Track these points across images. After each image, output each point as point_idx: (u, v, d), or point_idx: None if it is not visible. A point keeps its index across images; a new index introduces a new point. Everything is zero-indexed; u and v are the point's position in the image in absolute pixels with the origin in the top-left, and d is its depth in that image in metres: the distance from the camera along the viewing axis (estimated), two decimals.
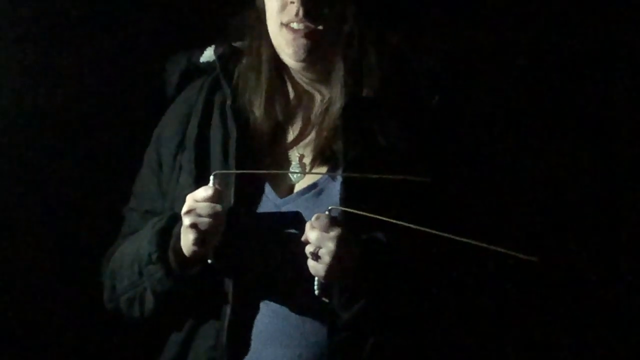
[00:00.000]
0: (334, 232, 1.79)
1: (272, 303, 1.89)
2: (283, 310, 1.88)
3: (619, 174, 2.44)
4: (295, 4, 1.89)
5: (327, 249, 1.78)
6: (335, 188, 1.89)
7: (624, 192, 2.44)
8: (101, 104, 2.44)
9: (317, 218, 1.80)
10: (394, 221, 1.78)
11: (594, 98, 2.45)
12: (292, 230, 1.88)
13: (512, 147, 2.41)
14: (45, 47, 2.39)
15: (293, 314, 1.88)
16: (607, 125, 2.45)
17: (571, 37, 2.45)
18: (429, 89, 1.95)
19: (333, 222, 1.80)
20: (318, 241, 1.79)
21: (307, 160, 1.95)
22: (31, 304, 2.41)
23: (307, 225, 1.81)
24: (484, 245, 1.74)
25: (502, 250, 1.72)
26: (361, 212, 1.80)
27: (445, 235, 1.76)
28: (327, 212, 1.81)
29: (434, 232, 1.76)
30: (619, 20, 2.44)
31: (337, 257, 1.78)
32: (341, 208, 1.83)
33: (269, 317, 1.89)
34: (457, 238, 1.75)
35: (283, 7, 1.91)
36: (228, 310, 1.89)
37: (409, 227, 1.78)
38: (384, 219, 1.78)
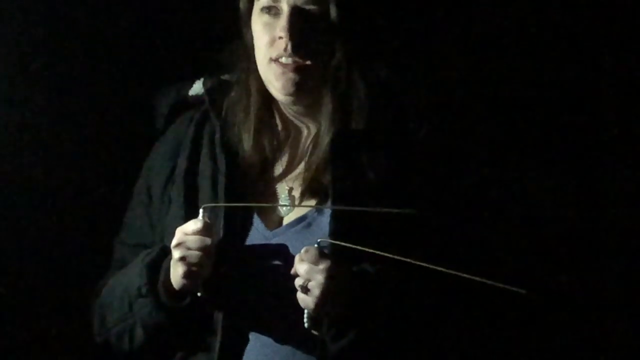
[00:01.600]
0: (323, 265, 1.81)
1: (261, 335, 1.90)
2: (273, 341, 1.90)
3: (607, 205, 2.46)
4: (284, 39, 1.91)
5: (317, 281, 1.80)
6: (324, 220, 1.91)
7: (612, 223, 2.46)
8: (91, 137, 2.45)
9: (306, 251, 1.82)
10: (382, 254, 1.80)
11: (582, 132, 2.46)
12: (281, 263, 1.89)
13: (500, 178, 2.42)
14: (33, 82, 2.40)
15: (283, 346, 1.89)
16: (595, 156, 2.46)
17: (558, 68, 2.46)
18: (417, 122, 1.98)
19: (322, 254, 1.82)
20: (307, 274, 1.81)
21: (296, 193, 1.97)
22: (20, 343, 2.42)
23: (297, 258, 1.83)
24: (473, 277, 1.76)
25: (491, 282, 1.74)
26: (350, 245, 1.82)
27: (434, 267, 1.78)
28: (316, 245, 1.84)
29: (422, 264, 1.78)
30: (604, 49, 2.47)
31: (327, 290, 1.80)
32: (330, 240, 1.85)
33: (259, 348, 1.90)
34: (446, 270, 1.78)
35: (272, 42, 1.93)
36: (218, 342, 1.90)
37: (398, 259, 1.80)
38: (372, 251, 1.81)
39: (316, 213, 1.93)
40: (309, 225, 1.93)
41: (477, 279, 1.76)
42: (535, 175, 2.46)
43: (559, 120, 2.46)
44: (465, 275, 1.77)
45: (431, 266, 1.78)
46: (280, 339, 1.90)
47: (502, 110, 2.47)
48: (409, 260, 1.79)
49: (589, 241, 2.45)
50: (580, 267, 2.44)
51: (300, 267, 1.82)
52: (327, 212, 1.91)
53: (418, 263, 1.79)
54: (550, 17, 2.46)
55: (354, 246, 1.82)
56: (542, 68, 2.46)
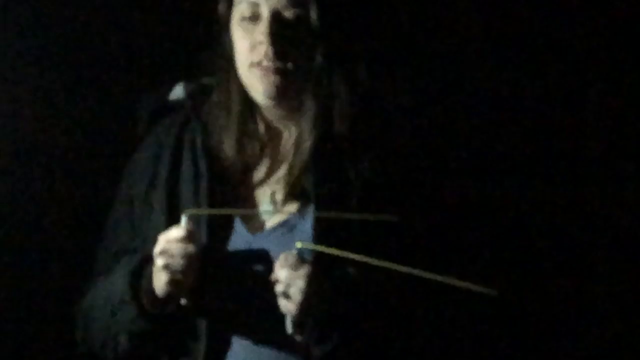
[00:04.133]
0: (303, 270, 1.83)
1: (245, 339, 1.93)
2: (257, 346, 1.92)
3: (587, 214, 2.49)
4: (265, 45, 1.93)
5: (297, 287, 1.82)
6: (307, 224, 1.93)
7: (591, 234, 2.49)
8: (72, 143, 2.46)
9: (285, 257, 1.85)
10: (359, 257, 1.83)
11: (568, 140, 2.49)
12: (263, 268, 1.91)
13: (483, 183, 2.44)
14: (14, 88, 2.42)
15: (267, 350, 1.92)
16: (578, 164, 2.49)
17: (542, 70, 2.49)
18: (399, 125, 2.00)
19: (301, 259, 1.84)
20: (287, 279, 1.83)
21: (278, 197, 1.99)
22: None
23: (276, 264, 1.85)
24: (441, 279, 1.78)
25: (463, 284, 1.77)
26: (327, 250, 1.84)
27: (406, 269, 1.80)
28: (294, 250, 1.86)
29: (398, 267, 1.80)
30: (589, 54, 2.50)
31: (307, 295, 1.82)
32: (308, 245, 1.87)
33: (243, 352, 1.93)
34: (415, 271, 1.80)
35: (252, 48, 1.95)
36: (202, 347, 1.93)
37: (378, 259, 1.83)
38: (350, 255, 1.83)
39: (299, 216, 1.95)
40: (292, 228, 1.95)
41: (448, 280, 1.79)
42: (519, 179, 2.48)
43: (541, 124, 2.48)
44: (436, 277, 1.79)
45: (404, 268, 1.80)
46: (264, 343, 1.92)
47: (487, 113, 2.49)
48: (386, 264, 1.82)
49: (570, 245, 2.48)
50: (560, 271, 2.48)
51: (280, 273, 1.84)
52: (310, 215, 1.93)
53: (395, 267, 1.81)
54: (533, 19, 2.48)
55: (331, 250, 1.84)
56: (525, 70, 2.47)
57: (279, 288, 1.84)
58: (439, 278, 1.80)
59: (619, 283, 2.47)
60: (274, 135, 2.03)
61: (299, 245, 1.86)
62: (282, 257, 1.85)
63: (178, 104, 2.08)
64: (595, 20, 2.47)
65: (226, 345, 1.93)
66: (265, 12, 1.94)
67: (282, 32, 1.94)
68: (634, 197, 2.47)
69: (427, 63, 2.45)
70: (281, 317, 1.87)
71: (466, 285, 1.78)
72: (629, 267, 2.47)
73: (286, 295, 1.84)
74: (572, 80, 2.48)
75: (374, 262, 1.82)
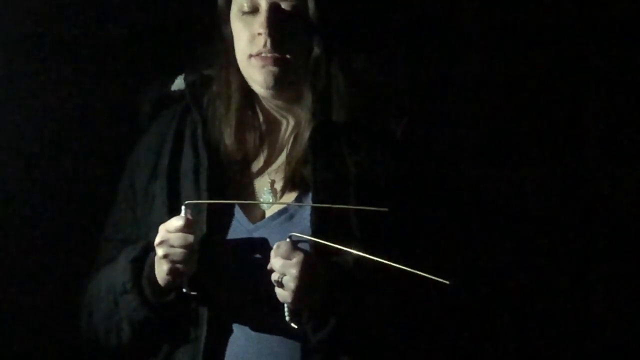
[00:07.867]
0: (296, 259, 1.87)
1: (246, 326, 1.97)
2: (257, 333, 1.96)
3: (584, 213, 2.51)
4: (263, 36, 1.97)
5: (291, 275, 1.86)
6: (305, 212, 1.97)
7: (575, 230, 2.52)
8: (75, 134, 2.48)
9: (279, 246, 1.88)
10: (348, 250, 1.86)
11: (565, 136, 2.51)
12: (262, 256, 1.94)
13: (480, 173, 2.46)
14: (15, 81, 2.43)
15: (267, 337, 1.96)
16: (574, 161, 2.51)
17: (540, 63, 2.50)
18: (396, 114, 2.03)
19: (295, 248, 1.88)
20: (282, 268, 1.87)
21: (278, 186, 2.02)
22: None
23: (271, 254, 1.89)
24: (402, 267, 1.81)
25: (419, 273, 1.80)
26: (320, 241, 1.88)
27: (395, 265, 1.82)
28: (288, 239, 1.89)
29: (385, 262, 1.83)
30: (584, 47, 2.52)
31: (301, 283, 1.86)
32: (301, 236, 1.90)
33: (244, 339, 1.97)
34: (385, 262, 1.82)
35: (251, 39, 1.99)
36: (203, 335, 1.96)
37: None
38: (341, 247, 1.87)
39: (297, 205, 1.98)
40: (291, 217, 1.99)
41: (405, 268, 1.81)
42: (515, 172, 2.49)
43: (538, 118, 2.50)
44: (398, 266, 1.82)
45: (392, 264, 1.83)
46: (264, 330, 1.96)
47: (485, 102, 2.51)
48: (373, 256, 1.85)
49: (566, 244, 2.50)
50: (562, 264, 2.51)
51: (275, 262, 1.88)
52: (308, 204, 1.97)
53: (382, 260, 1.84)
54: (532, 12, 2.49)
55: (322, 242, 1.87)
56: (523, 61, 2.49)
57: (273, 277, 1.89)
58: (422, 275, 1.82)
59: (616, 282, 2.50)
60: (272, 125, 2.07)
61: (291, 234, 1.90)
62: (275, 246, 1.89)
63: (179, 94, 2.12)
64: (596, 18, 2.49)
65: (227, 332, 1.97)
66: (263, 4, 1.98)
67: (280, 24, 1.97)
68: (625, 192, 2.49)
69: (425, 52, 2.47)
70: (280, 305, 1.90)
71: (420, 274, 1.81)
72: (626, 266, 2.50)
73: (281, 284, 1.88)
74: (569, 65, 2.50)
75: (366, 256, 1.85)
